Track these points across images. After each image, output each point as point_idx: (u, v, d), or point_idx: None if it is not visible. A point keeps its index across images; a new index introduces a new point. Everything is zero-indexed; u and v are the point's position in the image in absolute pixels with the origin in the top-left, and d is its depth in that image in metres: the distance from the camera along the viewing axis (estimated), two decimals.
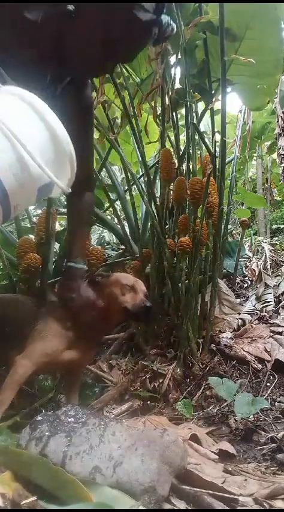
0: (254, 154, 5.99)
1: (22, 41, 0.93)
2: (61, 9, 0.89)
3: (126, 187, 2.63)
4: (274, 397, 1.68)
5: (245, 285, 2.95)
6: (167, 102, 2.14)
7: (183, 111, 2.41)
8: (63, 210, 3.16)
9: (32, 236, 1.99)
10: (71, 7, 0.88)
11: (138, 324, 2.09)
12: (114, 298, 1.32)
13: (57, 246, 2.58)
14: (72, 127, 0.83)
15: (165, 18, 1.00)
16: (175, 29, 1.08)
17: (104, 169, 2.83)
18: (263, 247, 3.49)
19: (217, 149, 2.05)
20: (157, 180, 2.63)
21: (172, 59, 2.20)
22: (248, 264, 3.24)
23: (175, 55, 2.17)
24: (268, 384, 1.76)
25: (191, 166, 2.15)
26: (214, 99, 2.18)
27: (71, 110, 0.99)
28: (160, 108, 2.21)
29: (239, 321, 2.21)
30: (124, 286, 1.32)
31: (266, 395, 1.68)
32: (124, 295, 1.31)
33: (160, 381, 1.82)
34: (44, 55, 0.96)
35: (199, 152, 2.39)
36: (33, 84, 0.84)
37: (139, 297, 1.30)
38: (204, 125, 3.70)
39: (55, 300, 1.79)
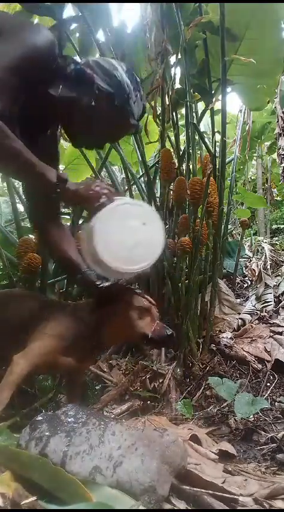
0: (254, 154, 5.99)
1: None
2: (83, 106, 1.15)
3: (126, 187, 2.62)
4: (274, 397, 1.68)
5: (245, 285, 2.95)
6: (167, 102, 2.14)
7: (183, 111, 2.41)
8: (64, 210, 3.16)
9: (32, 236, 1.98)
10: (93, 103, 1.13)
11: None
12: (127, 320, 1.25)
13: None
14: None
15: (140, 124, 1.32)
16: (140, 128, 1.38)
17: (104, 169, 2.83)
18: (263, 247, 3.49)
19: (217, 149, 2.05)
20: (157, 180, 2.63)
21: (172, 59, 2.20)
22: (248, 264, 3.24)
23: (175, 55, 2.17)
24: (268, 384, 1.76)
25: (191, 166, 2.15)
26: (214, 99, 2.18)
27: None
28: (160, 108, 2.21)
29: (239, 321, 2.21)
30: (140, 308, 1.25)
31: (266, 395, 1.68)
32: (141, 320, 1.24)
33: (160, 380, 1.82)
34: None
35: (199, 152, 2.39)
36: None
37: (159, 324, 1.24)
38: (204, 125, 3.70)
39: (55, 300, 1.79)
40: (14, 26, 1.08)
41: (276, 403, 1.63)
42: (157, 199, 2.24)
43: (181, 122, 2.67)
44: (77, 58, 1.27)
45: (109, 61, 1.19)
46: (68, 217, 3.25)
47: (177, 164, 2.24)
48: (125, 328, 1.26)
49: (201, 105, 2.44)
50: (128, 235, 1.13)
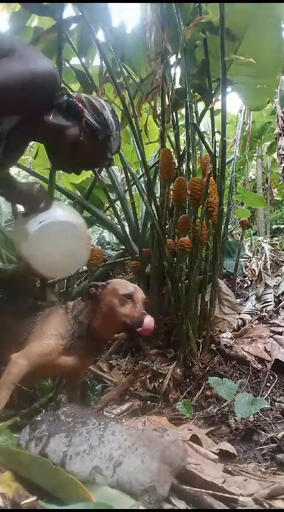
0: (254, 154, 5.99)
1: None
2: (70, 136, 1.26)
3: (126, 187, 2.63)
4: (274, 397, 1.68)
5: (245, 285, 2.95)
6: (167, 102, 2.14)
7: (183, 111, 2.41)
8: None
9: None
10: (81, 138, 1.26)
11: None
12: (111, 310, 1.27)
13: None
14: None
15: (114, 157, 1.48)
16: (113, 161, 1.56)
17: (104, 169, 2.83)
18: (263, 247, 3.49)
19: (217, 149, 2.04)
20: (157, 180, 2.63)
21: (172, 59, 2.20)
22: (248, 264, 3.24)
23: (175, 55, 2.17)
24: (268, 384, 1.75)
25: (191, 166, 2.15)
26: (214, 99, 2.18)
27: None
28: (160, 108, 2.21)
29: (239, 321, 2.21)
30: (122, 296, 1.27)
31: (266, 395, 1.68)
32: (123, 306, 1.25)
33: (160, 380, 1.83)
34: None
35: (199, 152, 2.39)
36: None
37: (138, 310, 1.24)
38: (204, 125, 3.70)
39: (56, 301, 1.79)
40: (26, 50, 1.15)
41: (276, 403, 1.63)
42: (157, 199, 2.23)
43: (181, 122, 2.66)
44: (70, 91, 1.47)
45: (99, 101, 1.33)
46: None
47: (177, 164, 2.23)
48: (109, 318, 1.28)
49: (201, 105, 2.44)
50: (54, 251, 1.32)
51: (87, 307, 1.33)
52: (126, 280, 2.63)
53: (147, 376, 1.86)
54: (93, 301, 1.32)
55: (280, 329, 2.09)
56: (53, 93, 1.18)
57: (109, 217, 3.30)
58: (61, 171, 2.14)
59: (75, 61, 2.37)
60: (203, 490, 0.84)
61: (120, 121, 1.40)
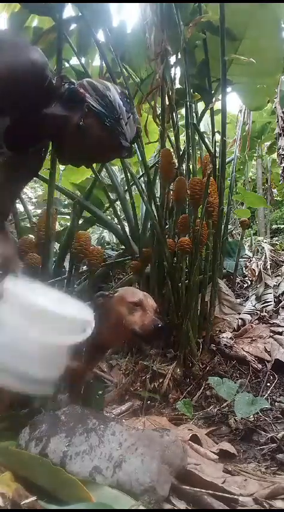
0: (254, 155, 5.99)
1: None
2: (74, 125, 1.17)
3: (126, 187, 2.63)
4: (274, 397, 1.68)
5: (245, 285, 2.95)
6: (167, 102, 2.14)
7: (183, 111, 2.41)
8: (63, 210, 3.17)
9: (32, 236, 1.99)
10: (81, 123, 1.16)
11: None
12: (120, 319, 1.22)
13: (57, 246, 2.58)
14: None
15: (133, 146, 1.34)
16: (132, 150, 1.38)
17: (104, 169, 2.83)
18: (263, 247, 3.49)
19: (217, 149, 2.04)
20: (157, 180, 2.63)
21: (172, 59, 2.20)
22: (248, 264, 3.24)
23: (175, 55, 2.17)
24: (268, 384, 1.75)
25: (191, 166, 2.15)
26: (214, 99, 2.18)
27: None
28: (160, 108, 2.21)
29: (239, 321, 2.21)
30: (131, 304, 1.22)
31: (266, 395, 1.68)
32: (132, 315, 1.20)
33: (160, 380, 1.82)
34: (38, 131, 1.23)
35: (199, 152, 2.39)
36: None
37: (148, 317, 1.19)
38: (204, 125, 3.70)
39: None
40: (4, 42, 1.08)
41: (276, 403, 1.63)
42: (157, 199, 2.23)
43: (181, 122, 2.67)
44: (73, 79, 1.31)
45: (103, 82, 1.21)
46: (68, 217, 3.26)
47: (177, 164, 2.23)
48: (118, 327, 1.24)
49: (201, 105, 2.44)
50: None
51: (96, 316, 1.30)
52: (126, 279, 2.64)
53: (147, 376, 1.85)
54: (101, 310, 1.27)
55: (280, 329, 2.09)
56: (39, 84, 1.09)
57: (109, 217, 3.30)
58: (61, 171, 2.13)
59: (75, 61, 2.37)
60: (203, 490, 0.84)
61: (132, 103, 1.27)
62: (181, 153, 2.28)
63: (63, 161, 1.39)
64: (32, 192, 5.77)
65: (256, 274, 2.77)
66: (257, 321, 2.23)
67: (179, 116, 2.43)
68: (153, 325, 1.17)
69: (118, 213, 2.97)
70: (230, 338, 2.02)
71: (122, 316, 1.22)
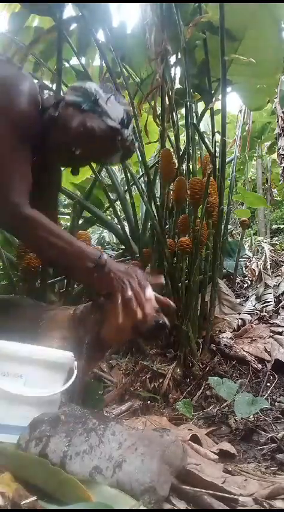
0: (254, 155, 5.99)
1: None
2: (47, 117, 1.17)
3: (126, 188, 2.63)
4: (274, 397, 1.68)
5: (245, 285, 2.95)
6: (167, 102, 2.14)
7: (183, 111, 2.41)
8: (63, 210, 3.17)
9: None
10: (56, 113, 1.16)
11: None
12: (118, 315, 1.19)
13: None
14: None
15: (127, 132, 1.24)
16: (136, 146, 1.35)
17: (104, 169, 2.83)
18: (263, 247, 3.49)
19: (217, 149, 2.04)
20: (157, 180, 2.63)
21: (172, 59, 2.20)
22: (248, 264, 3.24)
23: (175, 55, 2.17)
24: (268, 384, 1.75)
25: (191, 166, 2.15)
26: (214, 99, 2.18)
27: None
28: (160, 108, 2.21)
29: (239, 321, 2.21)
30: (131, 300, 1.18)
31: (266, 395, 1.68)
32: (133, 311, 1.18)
33: (160, 380, 1.82)
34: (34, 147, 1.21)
35: (199, 152, 2.39)
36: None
37: (150, 315, 1.17)
38: (204, 125, 3.70)
39: (55, 301, 1.78)
40: None
41: (276, 403, 1.63)
42: (157, 199, 2.24)
43: (181, 122, 2.66)
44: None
45: (83, 81, 1.24)
46: (68, 217, 3.26)
47: (177, 164, 2.24)
48: (120, 326, 1.21)
49: (201, 105, 2.44)
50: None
51: (95, 315, 1.31)
52: None
53: (147, 376, 1.85)
54: (102, 310, 1.28)
55: (280, 329, 2.09)
56: (33, 113, 1.12)
57: (109, 217, 3.30)
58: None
59: (75, 61, 2.38)
60: (203, 490, 0.84)
61: (117, 89, 1.30)
62: (181, 153, 2.28)
63: (60, 163, 1.37)
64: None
65: (256, 274, 2.77)
66: (257, 321, 2.23)
67: (179, 116, 2.43)
68: (153, 321, 1.17)
69: (118, 213, 2.97)
70: (230, 338, 2.02)
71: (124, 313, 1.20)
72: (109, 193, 2.66)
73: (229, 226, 3.66)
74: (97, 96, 1.18)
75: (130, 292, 1.11)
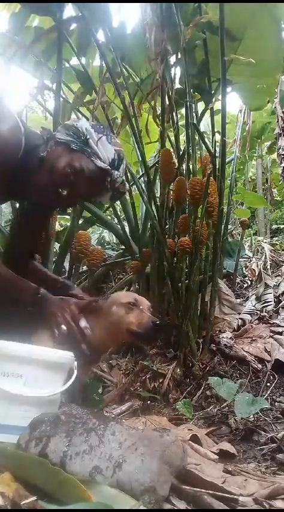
0: (254, 155, 5.99)
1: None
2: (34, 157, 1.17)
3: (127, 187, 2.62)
4: (274, 397, 1.68)
5: (245, 285, 2.95)
6: (167, 102, 2.14)
7: (183, 111, 2.41)
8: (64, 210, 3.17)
9: None
10: (44, 153, 1.16)
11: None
12: (115, 320, 1.21)
13: (57, 246, 2.58)
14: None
15: (117, 173, 1.23)
16: (127, 188, 1.36)
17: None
18: (263, 247, 3.49)
19: (217, 149, 2.04)
20: (157, 180, 2.63)
21: (172, 59, 2.20)
22: (248, 264, 3.24)
23: (175, 55, 2.17)
24: (268, 384, 1.75)
25: (191, 166, 2.15)
26: (214, 99, 2.18)
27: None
28: (160, 108, 2.21)
29: (239, 321, 2.21)
30: (126, 304, 1.21)
31: (266, 395, 1.68)
32: (128, 315, 1.20)
33: (160, 380, 1.82)
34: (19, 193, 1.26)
35: (199, 152, 2.39)
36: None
37: (145, 315, 1.19)
38: (204, 125, 3.70)
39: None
40: None
41: (276, 403, 1.63)
42: (157, 199, 2.24)
43: (181, 122, 2.66)
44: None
45: (76, 120, 1.24)
46: (68, 217, 3.26)
47: (177, 164, 2.24)
48: (114, 329, 1.23)
49: (201, 105, 2.44)
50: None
51: (89, 321, 1.30)
52: (126, 279, 2.64)
53: (147, 376, 1.85)
54: (95, 315, 1.27)
55: (280, 329, 2.09)
56: (14, 155, 1.12)
57: (109, 217, 3.30)
58: None
59: (75, 61, 2.38)
60: (203, 490, 0.84)
61: (111, 130, 1.28)
62: (181, 153, 2.28)
63: (46, 203, 1.31)
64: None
65: (256, 274, 2.77)
66: (257, 321, 2.23)
67: (179, 115, 2.43)
68: (151, 322, 1.16)
69: (118, 213, 2.97)
70: (230, 338, 2.02)
71: (118, 317, 1.21)
72: (114, 199, 2.66)
73: (229, 226, 3.66)
74: (88, 136, 1.18)
75: (63, 327, 1.18)
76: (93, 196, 1.34)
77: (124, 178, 1.28)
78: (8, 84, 2.12)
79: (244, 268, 3.16)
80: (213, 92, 2.18)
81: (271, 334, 2.05)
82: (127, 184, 1.35)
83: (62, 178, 1.18)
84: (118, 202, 2.97)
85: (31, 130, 1.23)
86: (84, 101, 2.33)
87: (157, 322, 1.18)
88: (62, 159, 1.17)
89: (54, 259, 2.27)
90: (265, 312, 2.32)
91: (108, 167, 1.21)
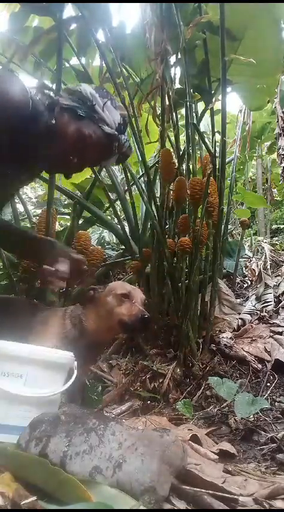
0: (254, 155, 5.99)
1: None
2: (44, 125, 1.14)
3: (126, 188, 2.63)
4: (274, 397, 1.68)
5: (245, 285, 2.95)
6: (167, 102, 2.14)
7: (183, 111, 2.41)
8: (63, 210, 3.17)
9: None
10: (53, 121, 1.14)
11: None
12: (109, 310, 1.26)
13: None
14: None
15: (124, 137, 1.25)
16: (132, 151, 1.37)
17: (104, 169, 2.83)
18: (263, 247, 3.49)
19: (217, 149, 2.04)
20: (157, 180, 2.63)
21: (172, 59, 2.20)
22: (248, 264, 3.24)
23: (175, 55, 2.17)
24: (268, 384, 1.75)
25: (191, 166, 2.15)
26: (214, 99, 2.18)
27: None
28: (160, 108, 2.21)
29: (239, 321, 2.21)
30: (120, 295, 1.26)
31: (266, 395, 1.68)
32: (120, 306, 1.25)
33: (160, 380, 1.82)
34: (29, 156, 1.21)
35: (199, 152, 2.39)
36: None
37: (136, 308, 1.23)
38: (204, 125, 3.70)
39: (55, 301, 1.78)
40: None
41: (276, 403, 1.63)
42: (157, 199, 2.24)
43: (181, 122, 2.66)
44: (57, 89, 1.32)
45: (77, 84, 1.22)
46: (68, 217, 3.26)
47: (177, 164, 2.24)
48: (107, 319, 1.27)
49: (201, 105, 2.44)
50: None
51: (86, 310, 1.32)
52: (126, 279, 2.64)
53: (147, 376, 1.85)
54: (92, 304, 1.31)
55: (280, 329, 2.09)
56: (22, 114, 1.09)
57: (109, 217, 3.30)
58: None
59: (75, 61, 2.38)
60: (203, 490, 0.84)
61: (110, 94, 1.22)
62: (181, 153, 2.28)
63: (49, 170, 1.38)
64: (32, 192, 5.77)
65: (256, 274, 2.77)
66: (257, 321, 2.23)
67: (179, 116, 2.43)
68: (139, 314, 1.20)
69: (118, 213, 2.97)
70: (230, 338, 2.02)
71: (111, 307, 1.25)
72: (109, 193, 2.66)
73: (229, 226, 3.66)
74: (94, 102, 1.17)
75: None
76: (101, 161, 1.35)
77: (129, 142, 1.29)
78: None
79: (244, 268, 3.16)
80: (213, 92, 2.18)
81: (271, 334, 2.05)
82: (132, 147, 1.36)
83: (72, 146, 1.18)
84: (118, 202, 2.97)
85: (33, 90, 1.20)
86: None
87: (146, 315, 1.21)
88: (70, 127, 1.16)
89: None
90: (265, 312, 2.32)
91: (116, 132, 1.21)
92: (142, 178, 2.51)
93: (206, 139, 2.41)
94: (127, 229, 2.68)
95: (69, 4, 2.16)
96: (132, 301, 1.26)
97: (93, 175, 2.59)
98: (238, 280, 2.91)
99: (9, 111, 1.07)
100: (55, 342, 1.26)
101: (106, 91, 1.22)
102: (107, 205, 3.00)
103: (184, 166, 2.23)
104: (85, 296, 1.33)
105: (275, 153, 4.63)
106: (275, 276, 2.82)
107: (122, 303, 1.25)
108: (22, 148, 1.15)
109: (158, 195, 2.37)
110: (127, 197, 2.59)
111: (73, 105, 1.16)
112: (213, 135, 2.34)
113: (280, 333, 2.05)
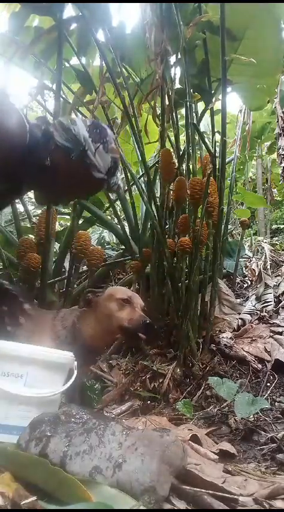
0: (254, 155, 5.99)
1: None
2: (40, 162, 1.17)
3: (126, 188, 2.63)
4: (274, 397, 1.68)
5: (245, 285, 2.95)
6: (167, 102, 2.14)
7: (183, 111, 2.41)
8: (63, 210, 3.17)
9: (32, 236, 1.99)
10: (47, 162, 1.17)
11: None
12: (109, 315, 1.25)
13: (57, 246, 2.58)
14: None
15: (114, 179, 1.28)
16: (121, 188, 1.44)
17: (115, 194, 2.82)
18: (263, 247, 3.49)
19: (217, 149, 2.04)
20: (157, 180, 2.63)
21: (172, 59, 2.20)
22: (248, 264, 3.24)
23: (175, 55, 2.17)
24: (268, 384, 1.75)
25: (191, 166, 2.15)
26: (214, 99, 2.18)
27: None
28: (160, 108, 2.21)
29: (239, 321, 2.21)
30: (120, 300, 1.25)
31: (266, 395, 1.68)
32: (121, 311, 1.24)
33: (160, 380, 1.82)
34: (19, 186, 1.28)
35: (199, 152, 2.39)
36: None
37: (137, 313, 1.23)
38: (204, 125, 3.70)
39: (55, 301, 1.78)
40: None
41: (276, 403, 1.63)
42: (157, 199, 2.24)
43: (181, 122, 2.66)
44: (50, 119, 1.33)
45: (71, 118, 1.23)
46: (68, 217, 3.26)
47: (177, 164, 2.23)
48: (107, 324, 1.26)
49: (201, 105, 2.44)
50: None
51: (83, 313, 1.32)
52: (126, 279, 2.64)
53: (147, 376, 1.85)
54: (90, 308, 1.30)
55: (280, 329, 2.09)
56: (22, 145, 1.13)
57: (109, 217, 3.30)
58: None
59: (75, 61, 2.38)
60: (203, 490, 0.84)
61: (107, 133, 1.23)
62: (181, 153, 2.28)
63: (37, 201, 1.41)
64: (32, 192, 5.76)
65: (256, 274, 2.77)
66: (257, 321, 2.23)
67: (179, 116, 2.43)
68: (141, 320, 1.20)
69: (118, 213, 2.97)
70: (230, 338, 2.02)
71: (111, 312, 1.25)
72: (109, 193, 2.66)
73: (229, 226, 3.66)
74: (86, 147, 1.18)
75: None
76: (89, 196, 1.50)
77: (120, 181, 1.32)
78: (8, 84, 2.12)
79: (244, 268, 3.16)
80: (213, 92, 2.18)
81: (271, 334, 2.05)
82: (122, 186, 1.41)
83: (62, 183, 1.23)
84: (118, 203, 2.97)
85: (31, 123, 1.23)
86: (84, 101, 2.33)
87: (147, 321, 1.21)
88: (61, 166, 1.19)
89: (54, 259, 2.27)
90: (265, 312, 2.32)
91: (105, 177, 1.24)
92: (142, 178, 2.51)
93: (206, 139, 2.41)
94: (127, 229, 2.68)
95: (69, 4, 2.16)
96: (132, 306, 1.25)
97: None
98: (238, 280, 2.91)
99: (6, 143, 1.10)
100: (42, 340, 1.24)
101: (99, 131, 1.22)
102: (107, 205, 3.00)
103: (184, 166, 2.23)
104: (83, 299, 1.32)
105: (275, 153, 4.62)
106: (275, 276, 2.82)
107: (123, 308, 1.25)
108: (14, 179, 1.20)
109: (158, 195, 2.37)
110: (127, 197, 2.59)
111: (66, 146, 1.18)
112: (213, 135, 2.34)
113: (280, 333, 2.05)
